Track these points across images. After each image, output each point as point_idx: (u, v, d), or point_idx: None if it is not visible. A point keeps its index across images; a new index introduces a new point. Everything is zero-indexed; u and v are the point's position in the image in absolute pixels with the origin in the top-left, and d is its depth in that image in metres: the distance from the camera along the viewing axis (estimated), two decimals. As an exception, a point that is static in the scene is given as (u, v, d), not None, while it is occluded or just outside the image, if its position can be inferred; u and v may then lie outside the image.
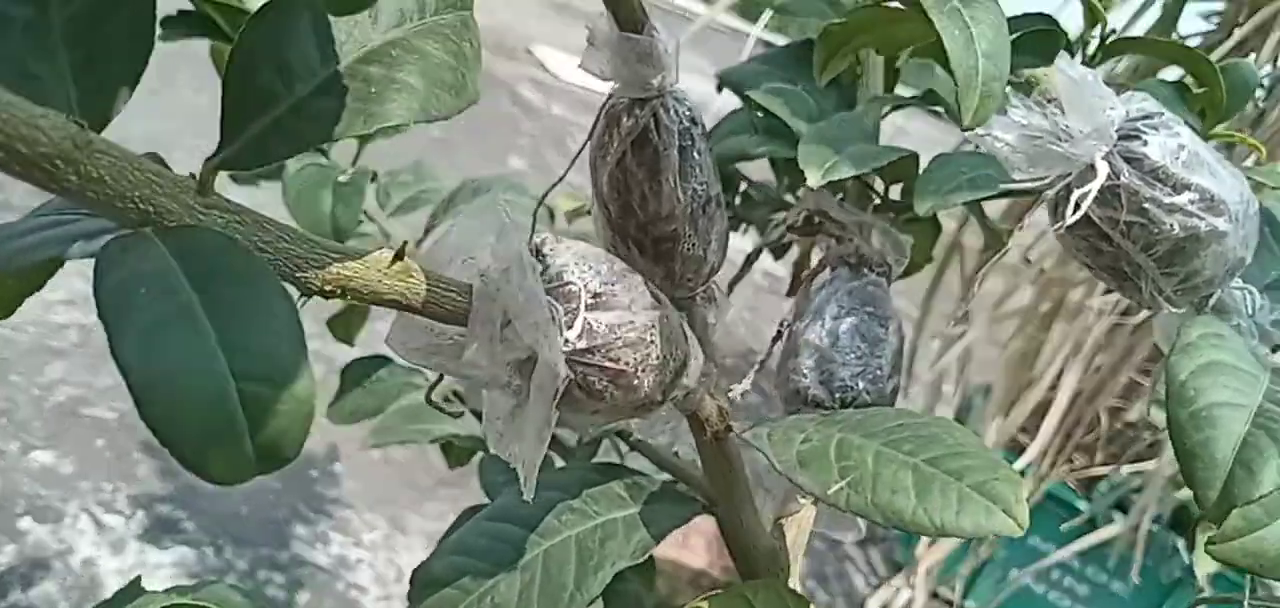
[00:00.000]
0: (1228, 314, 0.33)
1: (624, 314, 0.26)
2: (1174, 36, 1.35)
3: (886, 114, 0.47)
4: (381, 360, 0.49)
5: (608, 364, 0.26)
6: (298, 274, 0.18)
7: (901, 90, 0.48)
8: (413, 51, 0.18)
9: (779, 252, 0.56)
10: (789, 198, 0.51)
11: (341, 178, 0.47)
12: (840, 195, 0.46)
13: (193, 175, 0.17)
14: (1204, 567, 1.57)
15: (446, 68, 0.18)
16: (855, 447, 0.30)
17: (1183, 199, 0.29)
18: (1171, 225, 0.29)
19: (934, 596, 1.65)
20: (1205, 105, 0.40)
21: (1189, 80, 0.41)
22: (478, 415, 0.47)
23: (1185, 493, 1.55)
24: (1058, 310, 1.46)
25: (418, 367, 0.23)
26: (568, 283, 0.25)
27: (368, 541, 1.31)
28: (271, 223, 0.18)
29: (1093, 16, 0.38)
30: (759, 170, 0.53)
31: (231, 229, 0.16)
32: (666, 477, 0.38)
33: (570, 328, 0.25)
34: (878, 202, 0.47)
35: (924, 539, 1.64)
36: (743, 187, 0.52)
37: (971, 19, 0.22)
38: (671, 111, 0.31)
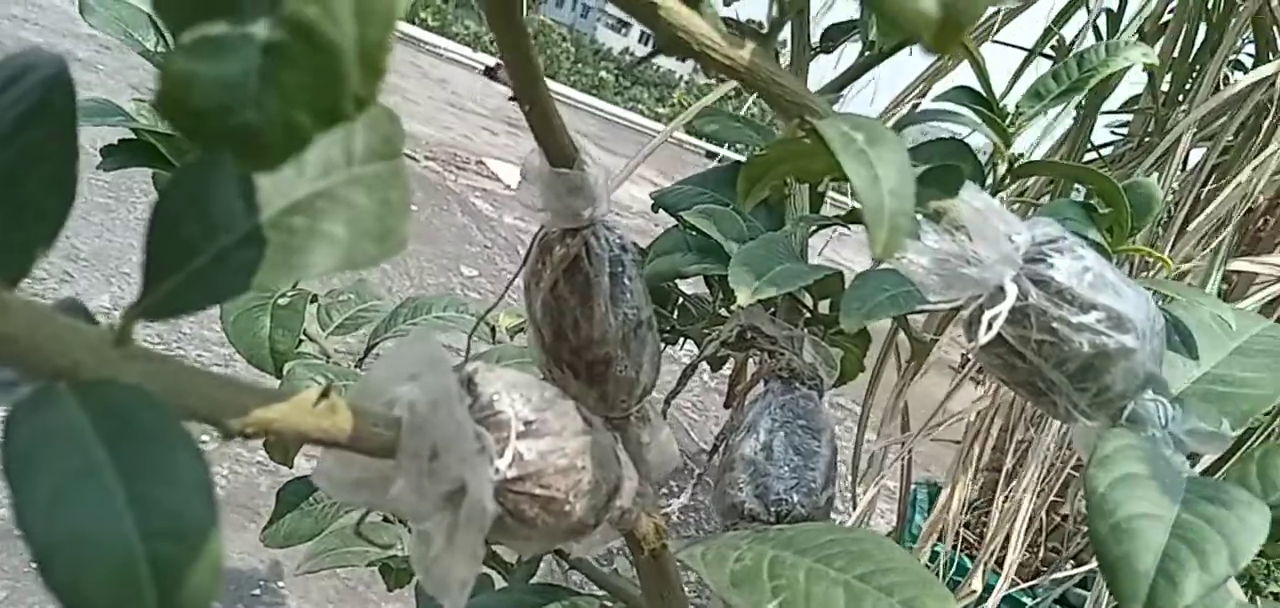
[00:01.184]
0: (1142, 425, 0.34)
1: (555, 441, 0.27)
2: (1087, 148, 1.42)
3: (813, 233, 0.49)
4: (316, 483, 0.48)
5: (539, 491, 0.26)
6: (221, 420, 0.18)
7: (828, 210, 0.50)
8: (339, 202, 0.18)
9: (716, 364, 0.57)
10: (724, 311, 0.52)
11: (281, 301, 0.47)
12: (772, 310, 0.47)
13: (112, 326, 0.17)
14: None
15: (371, 216, 0.19)
16: (788, 565, 0.30)
17: (1090, 318, 0.30)
18: (1081, 343, 0.30)
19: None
20: (1112, 223, 0.42)
21: (1096, 199, 0.44)
22: (414, 539, 0.46)
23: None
24: (996, 410, 1.49)
25: (346, 502, 0.23)
26: (498, 412, 0.25)
27: (308, 663, 1.26)
28: (193, 369, 0.18)
29: (1003, 142, 0.40)
30: (695, 285, 0.54)
31: (148, 381, 0.16)
32: (605, 597, 0.38)
33: (501, 457, 0.25)
34: (808, 316, 0.48)
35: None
36: (679, 301, 0.53)
37: (877, 159, 0.23)
38: (602, 240, 0.31)
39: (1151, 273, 0.70)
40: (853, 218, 0.49)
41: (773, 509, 0.39)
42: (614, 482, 0.29)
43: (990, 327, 0.30)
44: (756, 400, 0.43)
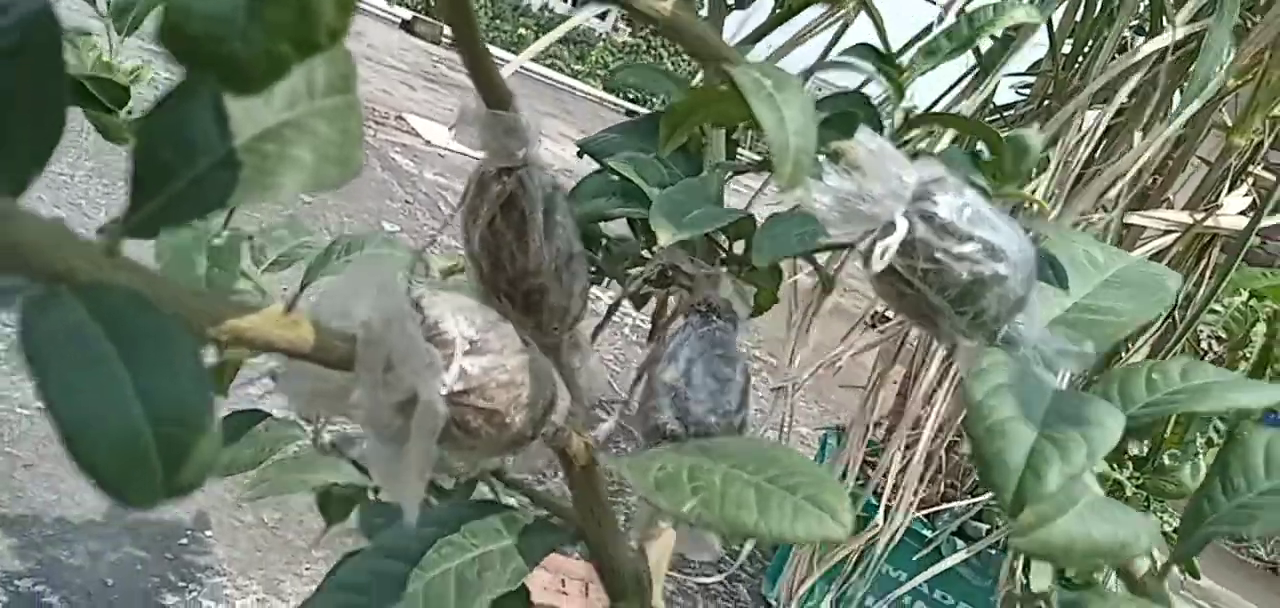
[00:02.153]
0: (1015, 345, 0.38)
1: (496, 358, 0.29)
2: (991, 109, 1.49)
3: (729, 178, 0.52)
4: (258, 414, 0.49)
5: (482, 404, 0.29)
6: (198, 327, 0.20)
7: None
8: (304, 130, 0.20)
9: (639, 302, 0.60)
10: (646, 252, 0.55)
11: (216, 240, 0.48)
12: (691, 251, 0.50)
13: (102, 237, 0.19)
14: (1038, 584, 1.70)
15: (333, 145, 0.21)
16: (705, 470, 0.33)
17: (968, 249, 0.34)
18: (960, 271, 0.34)
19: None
20: (995, 169, 0.46)
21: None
22: (357, 466, 0.48)
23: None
24: (897, 355, 1.57)
25: (304, 413, 0.26)
26: (444, 331, 0.28)
27: (241, 606, 1.27)
28: (172, 281, 0.20)
29: (897, 93, 0.44)
30: (618, 228, 0.57)
31: (138, 287, 0.18)
32: (540, 512, 0.41)
33: (447, 372, 0.28)
34: (724, 255, 0.51)
35: (790, 573, 1.71)
36: (604, 243, 0.56)
37: (784, 102, 0.26)
38: (535, 179, 0.34)
39: (1030, 216, 0.75)
40: (765, 165, 0.52)
41: (691, 430, 0.43)
42: (549, 398, 0.32)
43: (882, 257, 0.33)
44: (676, 333, 0.46)
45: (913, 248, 0.34)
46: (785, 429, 1.38)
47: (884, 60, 0.45)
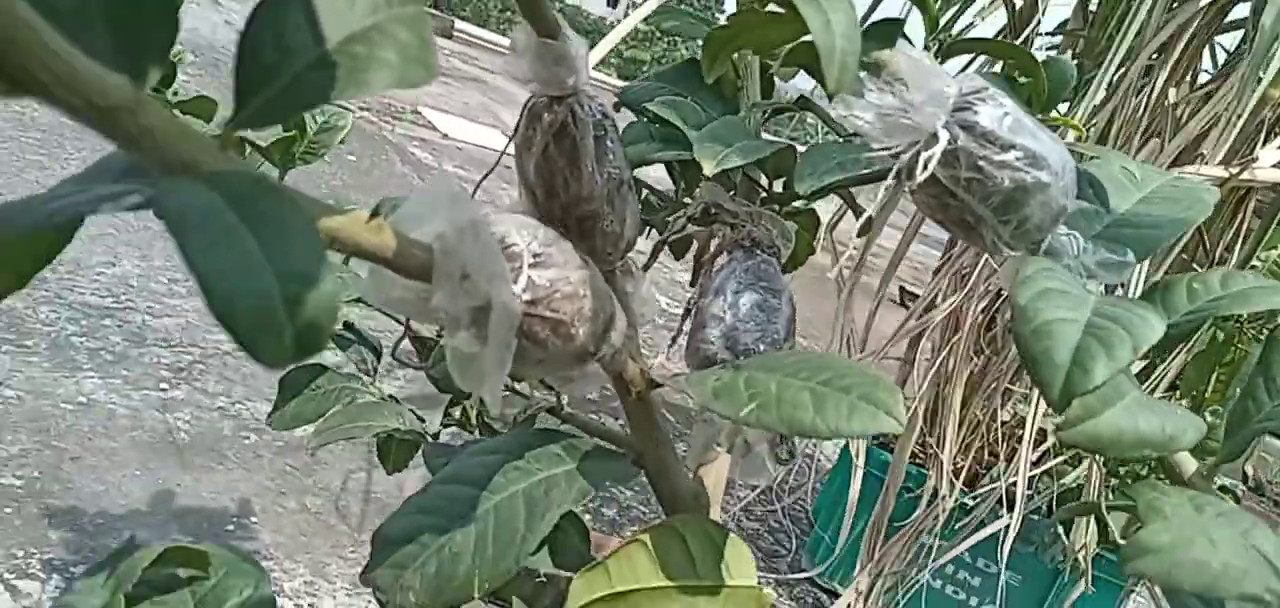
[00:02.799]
0: (1058, 256, 0.39)
1: (560, 271, 0.31)
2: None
3: (765, 118, 0.53)
4: (319, 368, 0.51)
5: (548, 315, 0.30)
6: (298, 222, 0.22)
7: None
8: (387, 35, 0.22)
9: (679, 252, 0.62)
10: (686, 200, 0.56)
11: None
12: (732, 191, 0.51)
13: (216, 136, 0.20)
14: (1083, 547, 1.70)
15: (413, 48, 0.22)
16: (760, 381, 0.35)
17: (1010, 156, 0.35)
18: (1002, 179, 0.35)
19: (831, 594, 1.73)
20: (1031, 93, 0.47)
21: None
22: (416, 415, 0.50)
23: (1060, 485, 1.68)
24: (926, 330, 1.57)
25: (389, 312, 0.27)
26: (511, 245, 0.29)
27: (290, 589, 1.30)
28: (273, 178, 0.22)
29: (931, 24, 0.45)
30: (659, 180, 0.58)
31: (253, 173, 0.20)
32: (598, 442, 0.42)
33: (516, 282, 0.29)
34: (764, 195, 0.52)
35: (835, 548, 1.72)
36: (644, 194, 0.57)
37: (830, 7, 0.27)
38: (585, 106, 0.35)
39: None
40: (803, 105, 0.53)
41: (741, 358, 0.44)
42: (609, 313, 0.34)
43: (926, 166, 0.34)
44: (721, 268, 0.47)
45: (955, 157, 0.35)
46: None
47: (917, -9, 0.46)
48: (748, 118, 0.50)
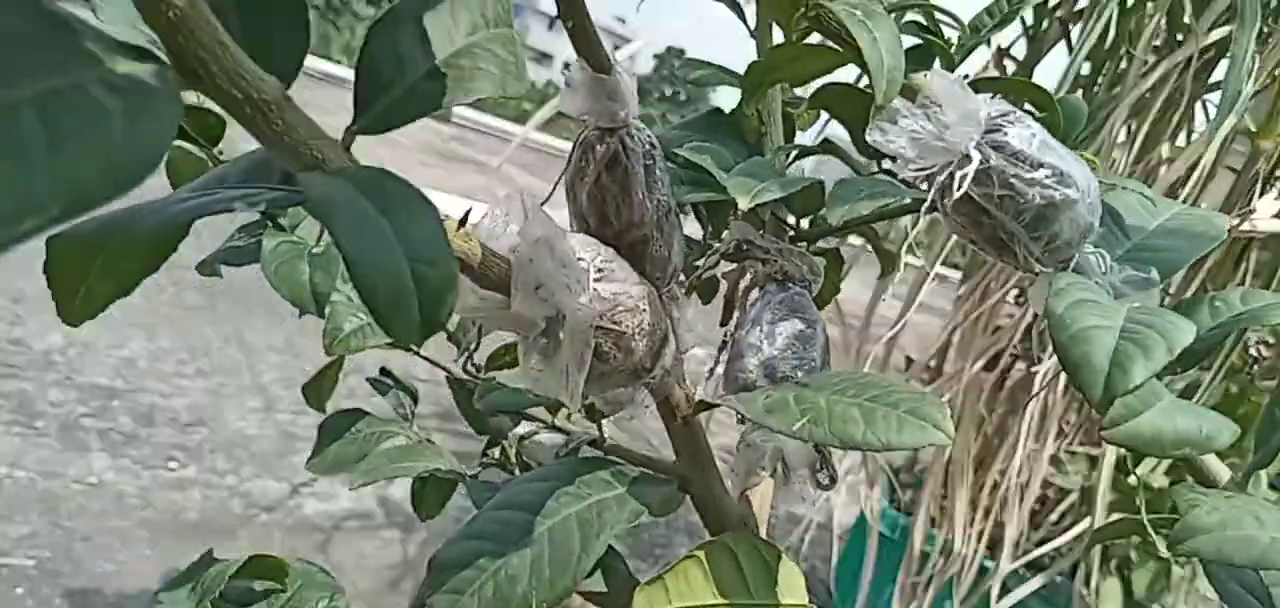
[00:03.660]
0: (1087, 273, 0.41)
1: (622, 286, 0.32)
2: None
3: (790, 162, 0.56)
4: (359, 413, 0.52)
5: (612, 327, 0.32)
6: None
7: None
8: (486, 51, 0.24)
9: (706, 295, 0.63)
10: (712, 244, 0.58)
11: (315, 250, 0.51)
12: (761, 229, 0.53)
13: (339, 138, 0.22)
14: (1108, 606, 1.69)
15: (510, 64, 0.24)
16: (810, 397, 0.36)
17: (1040, 174, 0.37)
18: (1033, 196, 0.37)
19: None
20: (1047, 127, 0.49)
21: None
22: (454, 462, 0.51)
23: (1082, 547, 1.68)
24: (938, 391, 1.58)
25: (474, 316, 0.29)
26: (579, 258, 0.31)
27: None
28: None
29: (947, 64, 0.47)
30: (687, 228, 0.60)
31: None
32: (644, 470, 0.43)
33: (583, 294, 0.30)
34: (792, 234, 0.54)
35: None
36: (673, 237, 0.59)
37: (875, 27, 0.29)
38: (635, 137, 0.37)
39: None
40: (826, 148, 0.56)
41: (779, 386, 0.45)
42: (664, 331, 0.35)
43: (961, 185, 0.36)
44: (755, 302, 0.49)
45: (988, 176, 0.37)
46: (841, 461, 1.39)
47: (932, 35, 0.49)
48: (774, 160, 0.53)
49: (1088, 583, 1.68)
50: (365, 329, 0.49)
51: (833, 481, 0.45)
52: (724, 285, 0.63)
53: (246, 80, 0.19)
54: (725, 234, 0.58)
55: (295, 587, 0.32)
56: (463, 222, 0.26)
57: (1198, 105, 1.61)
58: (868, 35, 0.29)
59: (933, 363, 1.62)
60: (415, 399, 0.56)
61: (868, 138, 0.37)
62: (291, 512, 1.66)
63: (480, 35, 0.24)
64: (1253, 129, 1.60)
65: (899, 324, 1.61)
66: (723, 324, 0.63)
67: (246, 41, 0.20)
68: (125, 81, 0.16)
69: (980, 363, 1.61)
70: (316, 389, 0.57)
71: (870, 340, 1.70)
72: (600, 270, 0.32)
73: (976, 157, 0.37)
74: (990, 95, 0.37)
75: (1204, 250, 0.47)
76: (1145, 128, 1.48)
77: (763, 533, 0.43)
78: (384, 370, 0.58)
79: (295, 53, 0.21)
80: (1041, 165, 0.37)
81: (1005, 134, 0.37)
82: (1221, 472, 0.41)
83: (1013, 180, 0.37)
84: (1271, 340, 1.74)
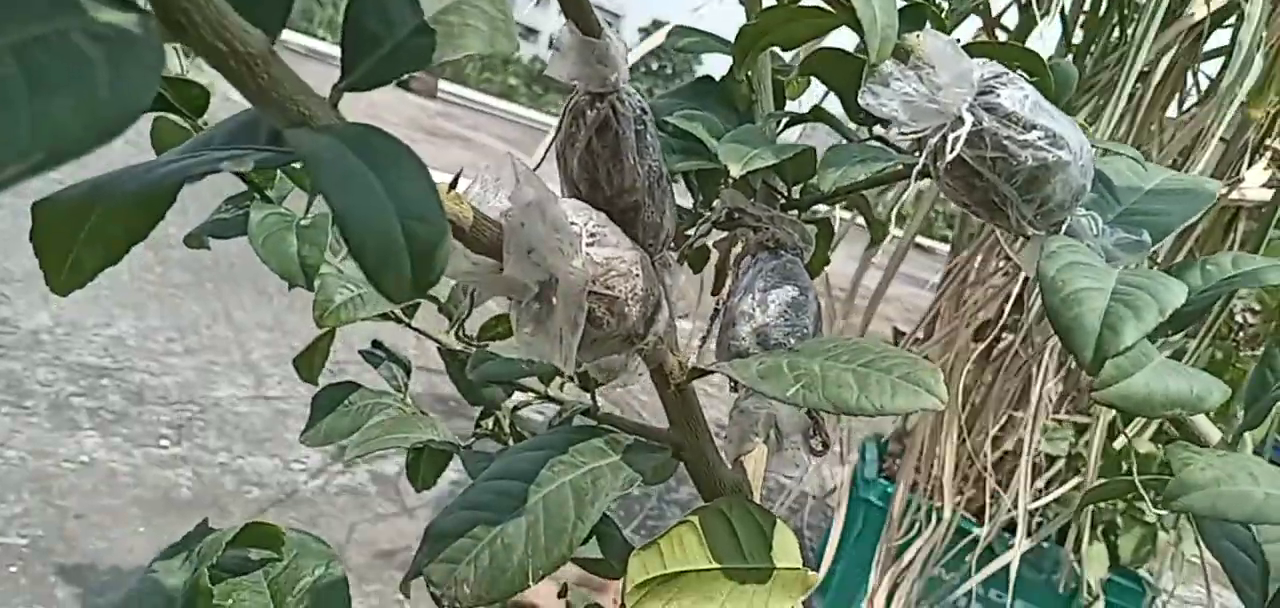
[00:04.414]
0: (1079, 235, 0.41)
1: (614, 251, 0.32)
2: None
3: (780, 129, 0.55)
4: (351, 386, 0.52)
5: (604, 292, 0.31)
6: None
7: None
8: (474, 7, 0.24)
9: (696, 264, 0.63)
10: (705, 212, 0.58)
11: (303, 222, 0.51)
12: (752, 197, 0.53)
13: (325, 96, 0.22)
14: (1094, 572, 1.71)
15: (499, 21, 0.24)
16: (804, 363, 0.36)
17: (1032, 136, 0.37)
18: (1026, 158, 0.37)
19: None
20: (1039, 92, 0.49)
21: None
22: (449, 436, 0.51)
23: (1069, 512, 1.69)
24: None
25: (466, 281, 0.28)
26: (571, 223, 0.31)
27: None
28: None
29: (940, 27, 0.47)
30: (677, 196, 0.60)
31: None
32: (638, 437, 0.43)
33: (572, 254, 0.30)
34: (783, 201, 0.54)
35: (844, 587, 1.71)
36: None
37: (870, -11, 0.29)
38: (625, 102, 0.37)
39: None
40: (816, 115, 0.55)
41: (773, 352, 0.45)
42: (657, 296, 0.35)
43: (953, 147, 0.36)
44: (748, 269, 0.49)
45: (980, 138, 0.37)
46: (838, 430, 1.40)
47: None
48: (764, 127, 0.52)
49: (1075, 548, 1.70)
50: (356, 301, 0.48)
51: (825, 447, 0.45)
52: (715, 255, 0.63)
53: (231, 32, 0.18)
54: (716, 202, 0.58)
55: (291, 555, 0.32)
56: (453, 185, 0.26)
57: (1188, 74, 1.62)
58: (866, 4, 0.28)
59: (920, 336, 1.63)
60: (408, 371, 0.56)
61: (860, 100, 0.37)
62: (283, 487, 1.66)
63: (470, -9, 0.24)
64: (1243, 100, 1.60)
65: (883, 292, 1.61)
66: (714, 292, 0.63)
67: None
68: (108, 30, 0.16)
69: (969, 331, 1.61)
70: (308, 361, 0.57)
71: (855, 311, 1.71)
72: (593, 235, 0.31)
73: (969, 118, 0.36)
74: (978, 59, 0.37)
75: (1195, 213, 0.47)
76: (1146, 96, 1.49)
77: (756, 499, 0.43)
78: (376, 343, 0.58)
79: (279, 5, 0.20)
80: (1034, 127, 0.37)
81: (998, 96, 0.37)
82: (1212, 433, 0.41)
83: (1006, 142, 0.37)
84: (1257, 308, 1.75)
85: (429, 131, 6.58)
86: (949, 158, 0.36)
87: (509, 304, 0.30)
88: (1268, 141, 1.65)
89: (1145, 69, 1.45)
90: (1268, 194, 1.54)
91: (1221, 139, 1.67)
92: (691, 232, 0.58)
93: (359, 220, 0.18)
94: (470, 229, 0.27)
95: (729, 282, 0.49)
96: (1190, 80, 1.66)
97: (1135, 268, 0.39)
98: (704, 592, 0.37)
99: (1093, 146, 0.47)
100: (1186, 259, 0.42)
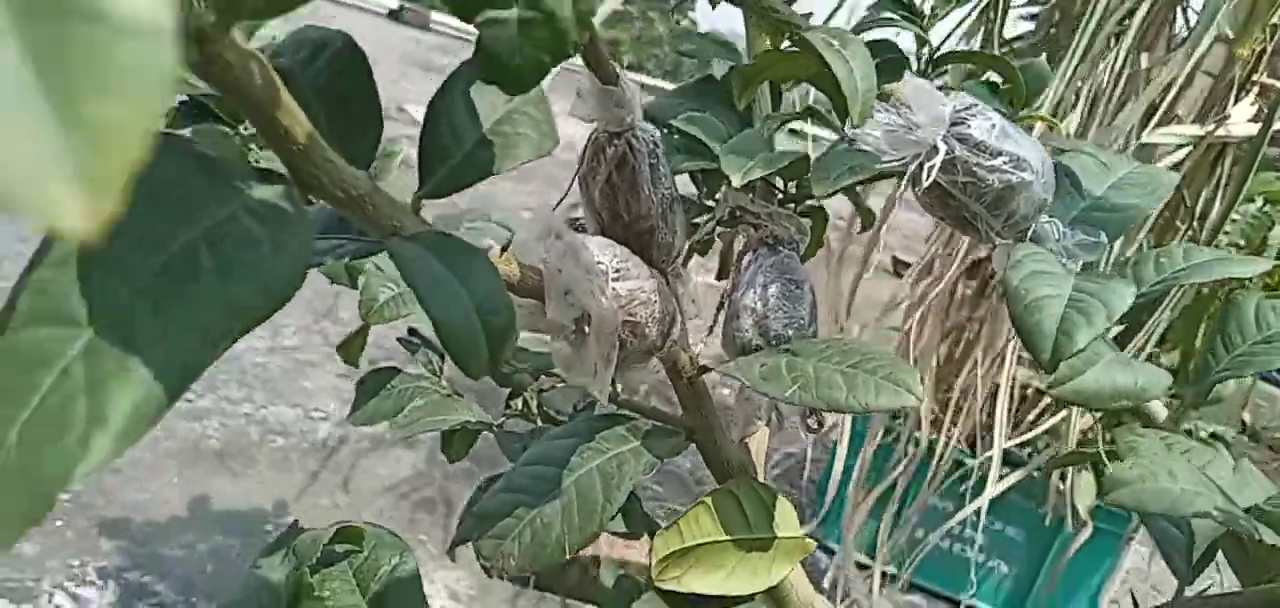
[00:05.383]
0: (1042, 240, 0.46)
1: (636, 283, 0.37)
2: (1001, 40, 1.57)
3: (777, 128, 0.60)
4: (394, 370, 0.58)
5: (628, 319, 0.37)
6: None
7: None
8: (523, 115, 0.28)
9: (702, 250, 0.68)
10: (709, 203, 0.63)
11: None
12: (752, 195, 0.58)
13: (411, 202, 0.27)
14: (1083, 501, 1.79)
15: (543, 124, 0.29)
16: (799, 364, 0.41)
17: (998, 162, 0.42)
18: (993, 180, 0.42)
19: (859, 566, 1.81)
20: (1012, 97, 0.54)
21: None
22: (482, 412, 0.56)
23: (1060, 443, 1.77)
24: (922, 305, 1.65)
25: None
26: (599, 262, 0.36)
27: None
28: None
29: (919, 41, 0.52)
30: (683, 187, 0.65)
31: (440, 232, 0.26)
32: (654, 422, 0.49)
33: (604, 294, 0.36)
34: (781, 197, 0.59)
35: (847, 510, 1.80)
36: (672, 198, 0.63)
37: (850, 56, 0.34)
38: (640, 139, 0.42)
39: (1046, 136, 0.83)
40: (809, 112, 0.60)
41: (772, 343, 0.51)
42: (672, 313, 0.40)
43: (929, 174, 0.41)
44: (748, 264, 0.54)
45: (953, 165, 0.42)
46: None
47: (909, 12, 0.53)
48: (763, 130, 0.57)
49: (1063, 478, 1.78)
50: (398, 298, 0.54)
51: (821, 425, 0.51)
52: (720, 242, 0.68)
53: (347, 182, 0.23)
54: (720, 196, 0.63)
55: (370, 547, 0.38)
56: (504, 249, 0.31)
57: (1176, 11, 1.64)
58: (844, 65, 0.33)
59: (916, 278, 1.68)
60: (442, 356, 0.62)
61: (846, 133, 0.42)
62: (306, 435, 1.73)
63: (517, 100, 0.29)
64: (1230, 36, 1.63)
65: (882, 224, 1.66)
66: (719, 279, 0.68)
67: (332, 137, 0.25)
68: (264, 207, 0.21)
69: (959, 268, 1.67)
70: (348, 348, 0.63)
71: (856, 241, 1.76)
72: (618, 271, 0.37)
73: (943, 148, 0.41)
74: (954, 90, 0.42)
75: (1156, 203, 0.52)
76: (1124, 35, 1.52)
77: (760, 474, 0.49)
78: (412, 330, 0.63)
79: (371, 143, 0.25)
80: (1000, 153, 0.42)
81: (968, 127, 0.42)
82: (1159, 411, 0.47)
83: (975, 168, 0.42)
84: (1241, 244, 1.79)
85: (423, 66, 6.54)
86: (926, 183, 0.41)
87: (549, 338, 0.35)
88: (1254, 77, 1.68)
89: (1133, 7, 1.48)
90: (1253, 129, 1.58)
91: (1207, 73, 1.70)
92: (699, 220, 0.63)
93: (445, 317, 0.24)
94: (519, 282, 0.32)
95: (732, 276, 0.55)
96: (1179, 17, 1.69)
97: (1092, 272, 0.44)
98: (716, 560, 0.44)
99: (1055, 149, 0.52)
100: (1142, 253, 0.48)
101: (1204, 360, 0.47)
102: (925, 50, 0.55)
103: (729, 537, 0.44)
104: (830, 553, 1.92)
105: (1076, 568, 1.81)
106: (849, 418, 1.92)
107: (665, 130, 0.61)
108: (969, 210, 0.43)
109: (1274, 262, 1.55)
